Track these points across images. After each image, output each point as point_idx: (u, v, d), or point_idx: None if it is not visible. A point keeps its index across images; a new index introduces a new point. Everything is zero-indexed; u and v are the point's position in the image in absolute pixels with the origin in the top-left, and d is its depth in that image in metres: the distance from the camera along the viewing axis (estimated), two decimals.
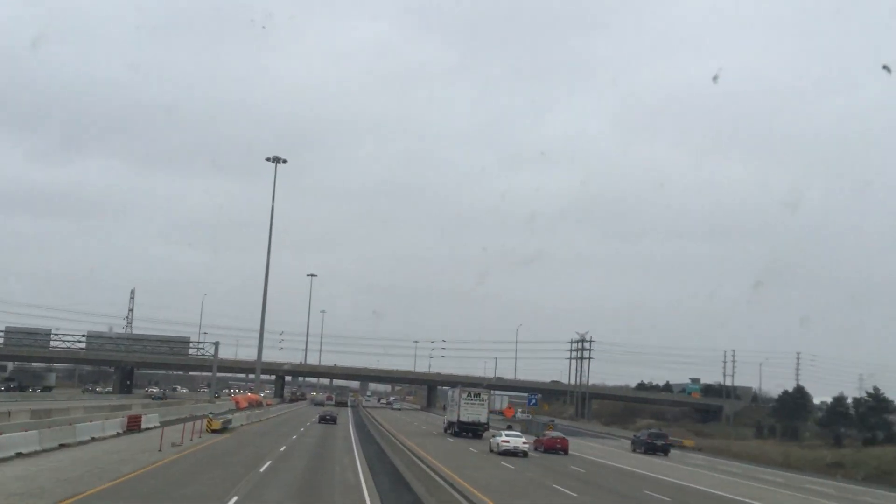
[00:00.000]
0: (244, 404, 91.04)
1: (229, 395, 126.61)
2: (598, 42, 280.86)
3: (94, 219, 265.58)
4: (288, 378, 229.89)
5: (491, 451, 46.98)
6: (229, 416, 52.05)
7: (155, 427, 44.60)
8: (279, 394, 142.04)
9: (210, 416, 49.88)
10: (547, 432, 57.55)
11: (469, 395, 61.29)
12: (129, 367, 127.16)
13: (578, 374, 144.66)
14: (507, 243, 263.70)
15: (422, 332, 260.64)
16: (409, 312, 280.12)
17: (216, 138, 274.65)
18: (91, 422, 37.52)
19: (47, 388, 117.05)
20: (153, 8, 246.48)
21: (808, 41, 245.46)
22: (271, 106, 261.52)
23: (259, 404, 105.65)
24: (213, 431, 46.09)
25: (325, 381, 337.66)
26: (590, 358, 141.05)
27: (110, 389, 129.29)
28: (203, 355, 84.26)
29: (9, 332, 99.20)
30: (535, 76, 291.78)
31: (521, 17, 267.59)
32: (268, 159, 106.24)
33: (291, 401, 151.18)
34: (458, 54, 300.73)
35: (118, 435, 39.13)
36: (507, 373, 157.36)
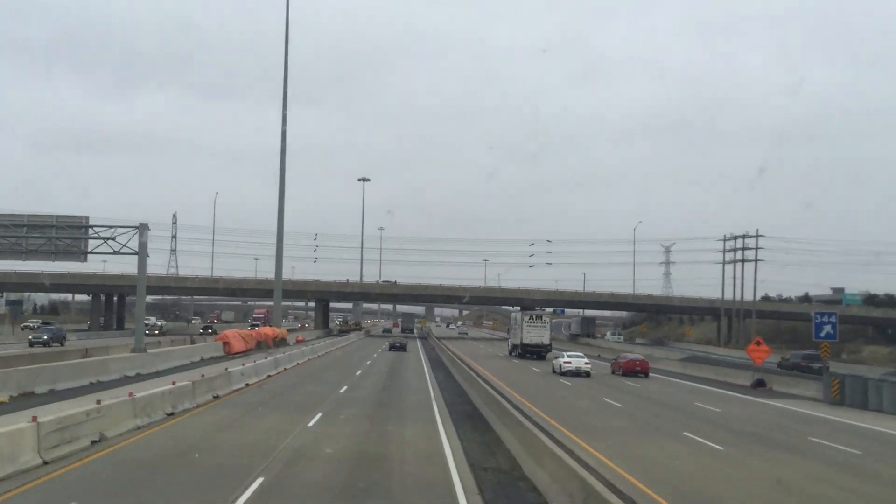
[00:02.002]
0: (240, 346, 52.76)
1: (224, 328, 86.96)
2: None
3: (158, 153, 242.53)
4: (348, 306, 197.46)
5: (553, 371, 46.89)
6: None
7: None
8: (323, 324, 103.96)
9: None
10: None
11: (531, 317, 63.39)
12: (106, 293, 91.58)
13: (740, 282, 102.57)
14: (578, 158, 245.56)
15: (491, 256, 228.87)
16: (477, 235, 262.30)
17: (275, 65, 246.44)
18: None
19: None
20: None
21: None
22: (329, 27, 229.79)
23: (279, 342, 67.58)
24: None
25: (388, 308, 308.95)
26: (756, 260, 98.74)
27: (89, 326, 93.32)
28: (118, 251, 41.87)
29: None
30: None
31: None
32: None
33: (342, 332, 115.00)
34: None
35: None
36: (593, 288, 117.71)
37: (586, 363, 45.58)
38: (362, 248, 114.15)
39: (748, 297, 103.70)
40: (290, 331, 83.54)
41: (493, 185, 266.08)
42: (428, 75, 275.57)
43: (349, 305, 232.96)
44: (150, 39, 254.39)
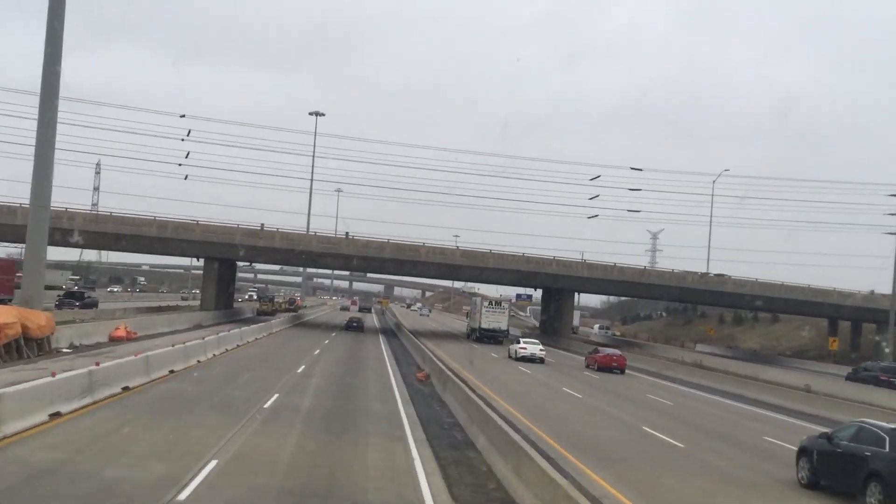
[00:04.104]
0: None
1: None
2: None
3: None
4: (296, 280, 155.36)
5: (509, 356, 47.49)
6: None
7: None
8: (218, 300, 59.81)
9: None
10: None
11: (490, 303, 63.58)
12: None
13: None
14: (559, 144, 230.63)
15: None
16: (448, 221, 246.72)
17: (251, 31, 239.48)
18: None
19: None
20: None
21: None
22: None
23: (21, 347, 24.81)
24: None
25: (342, 284, 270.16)
26: None
27: None
28: None
29: None
30: None
31: None
32: None
33: (263, 314, 73.93)
34: None
35: None
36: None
37: (541, 350, 46.52)
38: (311, 191, 75.43)
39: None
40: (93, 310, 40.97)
41: (469, 162, 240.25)
42: (410, 53, 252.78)
43: (298, 279, 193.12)
44: None
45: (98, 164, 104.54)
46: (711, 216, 75.15)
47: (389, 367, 32.61)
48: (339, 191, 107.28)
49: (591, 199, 64.59)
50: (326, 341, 46.51)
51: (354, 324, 64.02)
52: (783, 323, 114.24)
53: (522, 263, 60.91)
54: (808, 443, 16.29)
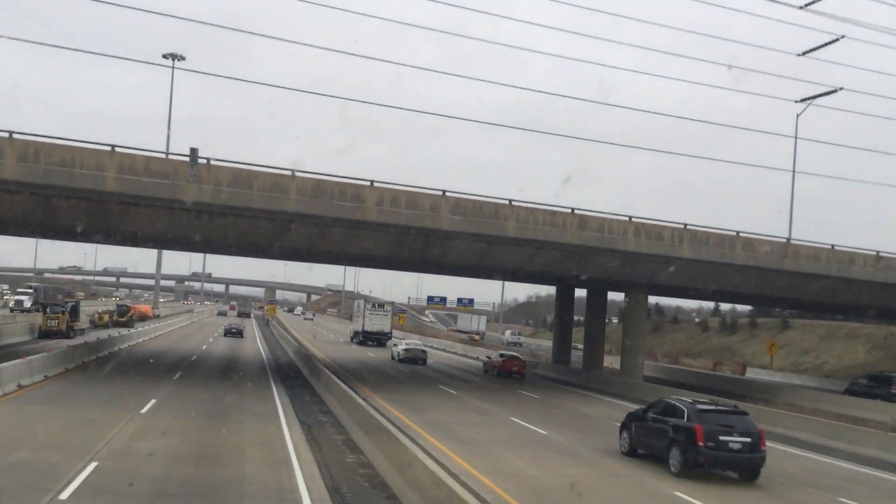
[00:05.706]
0: None
1: None
2: None
3: None
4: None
5: (392, 358, 48.61)
6: None
7: None
8: None
9: None
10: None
11: (374, 306, 66.09)
12: None
13: None
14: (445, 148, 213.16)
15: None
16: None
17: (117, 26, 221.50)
18: None
19: None
20: None
21: None
22: None
23: None
24: None
25: (216, 289, 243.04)
26: None
27: None
28: None
29: None
30: None
31: None
32: None
33: (47, 335, 39.61)
34: None
35: None
36: None
37: (423, 350, 48.17)
38: (168, 137, 46.29)
39: None
40: None
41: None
42: (287, 51, 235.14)
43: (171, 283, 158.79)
44: None
45: None
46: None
47: None
48: (200, 163, 72.92)
49: (805, 101, 33.40)
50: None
51: (234, 329, 64.39)
52: (796, 329, 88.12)
53: (572, 231, 29.20)
54: (627, 419, 19.43)
